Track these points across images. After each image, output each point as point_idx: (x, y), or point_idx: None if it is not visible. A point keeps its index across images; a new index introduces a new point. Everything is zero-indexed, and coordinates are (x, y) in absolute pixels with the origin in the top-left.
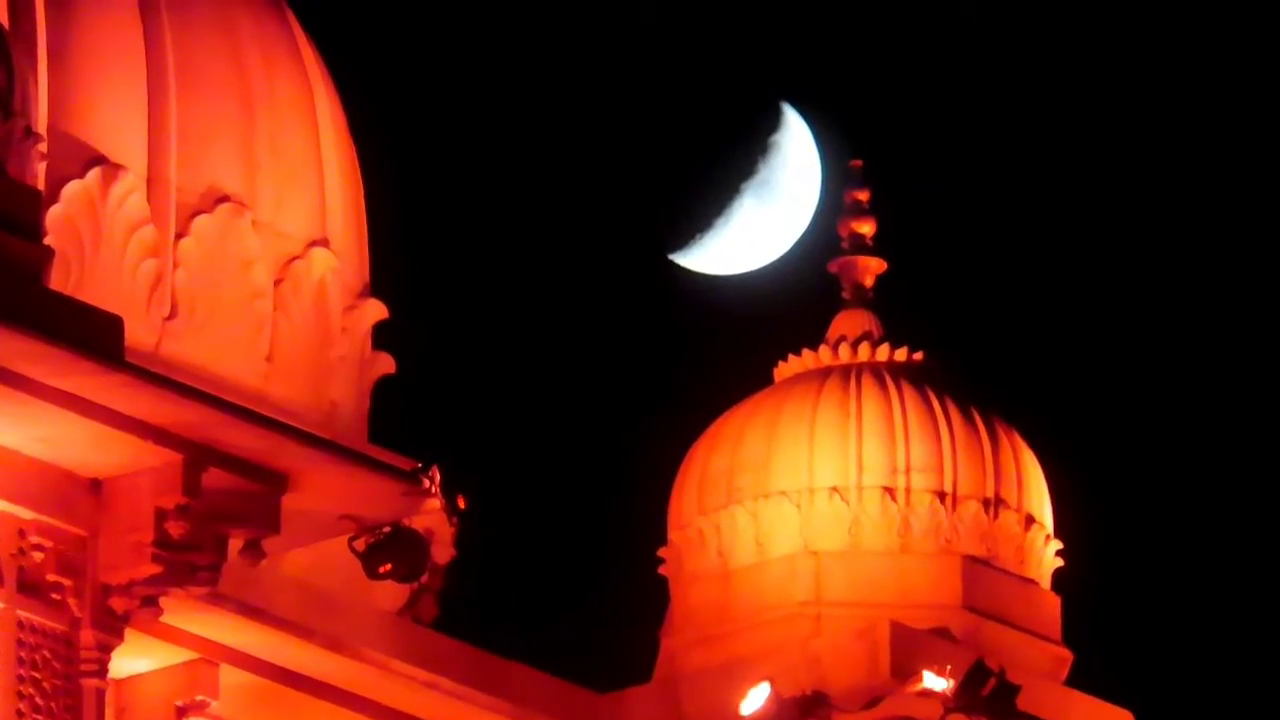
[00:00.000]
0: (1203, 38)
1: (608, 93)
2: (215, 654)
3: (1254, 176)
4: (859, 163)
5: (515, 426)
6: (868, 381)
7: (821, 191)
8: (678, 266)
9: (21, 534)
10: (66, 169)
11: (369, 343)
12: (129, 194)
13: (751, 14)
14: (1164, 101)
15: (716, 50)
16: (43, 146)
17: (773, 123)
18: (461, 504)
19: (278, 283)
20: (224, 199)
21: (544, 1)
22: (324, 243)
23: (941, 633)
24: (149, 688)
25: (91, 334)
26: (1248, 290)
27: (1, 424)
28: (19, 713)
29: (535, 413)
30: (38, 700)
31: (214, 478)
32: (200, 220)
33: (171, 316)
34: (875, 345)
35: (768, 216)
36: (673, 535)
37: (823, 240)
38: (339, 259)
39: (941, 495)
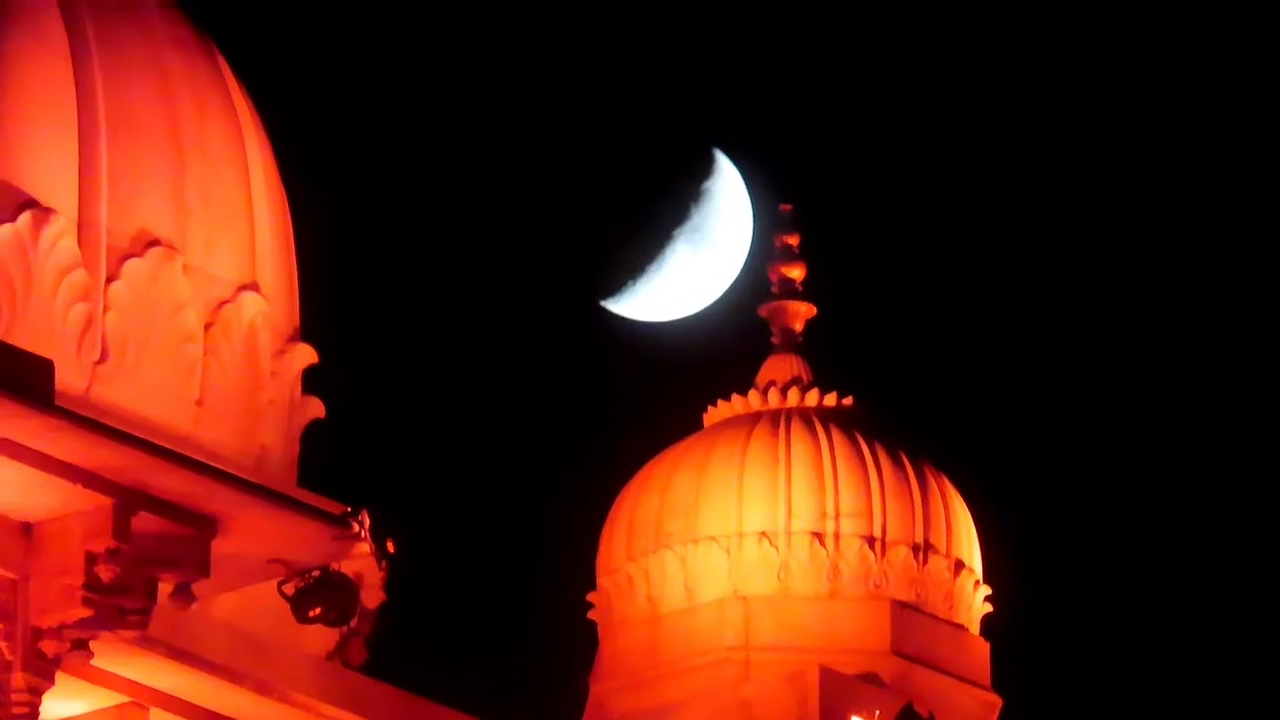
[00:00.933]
0: (1151, 83)
1: (541, 139)
2: (145, 697)
3: (1194, 230)
4: (789, 207)
5: (445, 471)
6: (797, 427)
7: (753, 237)
8: (610, 313)
9: None
10: None
11: (299, 387)
12: (60, 237)
13: (685, 64)
14: (1093, 151)
15: (650, 98)
16: None
17: (705, 169)
18: (391, 548)
19: (208, 326)
20: (155, 243)
21: (479, 48)
22: (254, 287)
23: (870, 678)
24: None
25: (22, 377)
26: (1178, 341)
27: None
28: None
29: (465, 458)
30: None
31: (144, 521)
32: (131, 264)
33: (102, 360)
34: (804, 390)
35: (700, 262)
36: (602, 580)
37: (754, 285)
38: (269, 303)
39: (871, 540)
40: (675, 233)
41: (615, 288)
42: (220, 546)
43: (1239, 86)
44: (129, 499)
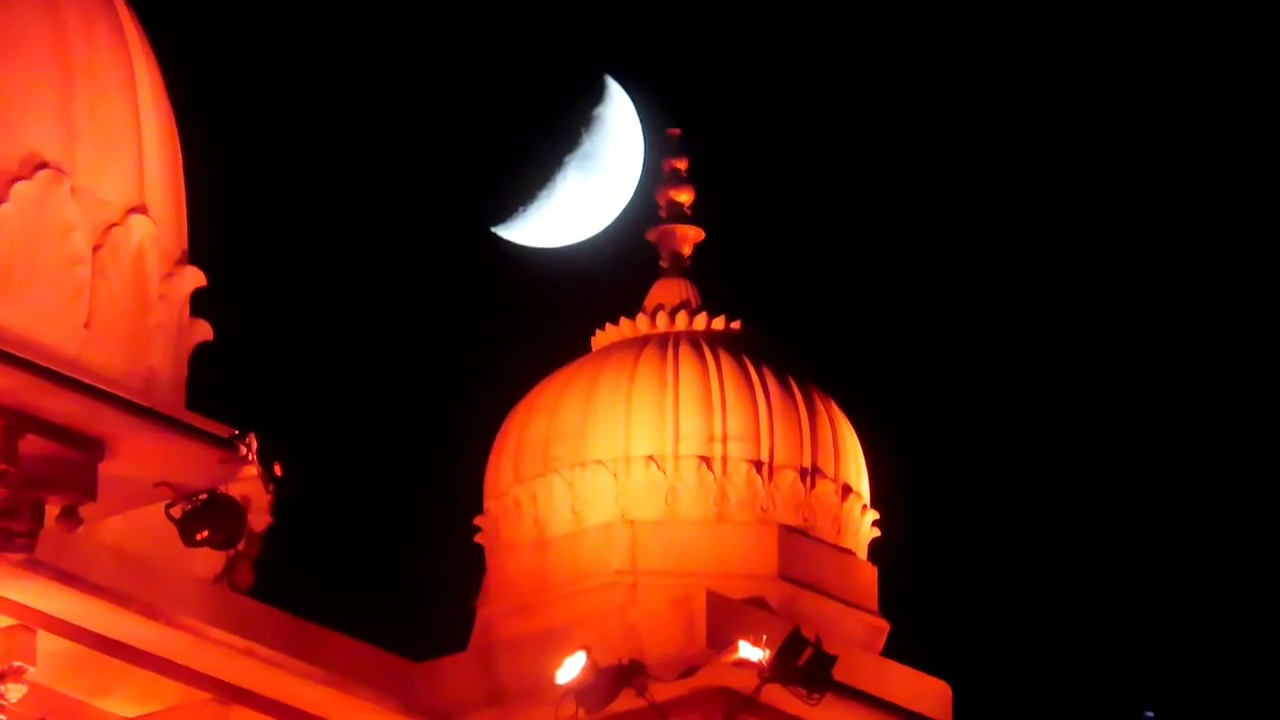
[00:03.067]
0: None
1: (434, 64)
2: (32, 620)
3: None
4: (677, 131)
5: (333, 395)
6: (685, 350)
7: (644, 162)
8: (501, 238)
9: None
10: None
11: (187, 310)
12: None
13: None
14: (967, 68)
15: (540, 23)
16: None
17: (596, 95)
18: (278, 471)
19: (96, 249)
20: (43, 165)
21: None
22: (143, 210)
23: (757, 602)
24: None
25: None
26: (1054, 263)
27: None
28: None
29: (353, 381)
30: None
31: (31, 444)
32: (19, 187)
33: None
34: (692, 314)
35: (591, 189)
36: (489, 504)
37: (643, 210)
38: (157, 226)
39: (758, 465)
40: (567, 159)
41: (506, 214)
42: (108, 469)
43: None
44: (16, 421)
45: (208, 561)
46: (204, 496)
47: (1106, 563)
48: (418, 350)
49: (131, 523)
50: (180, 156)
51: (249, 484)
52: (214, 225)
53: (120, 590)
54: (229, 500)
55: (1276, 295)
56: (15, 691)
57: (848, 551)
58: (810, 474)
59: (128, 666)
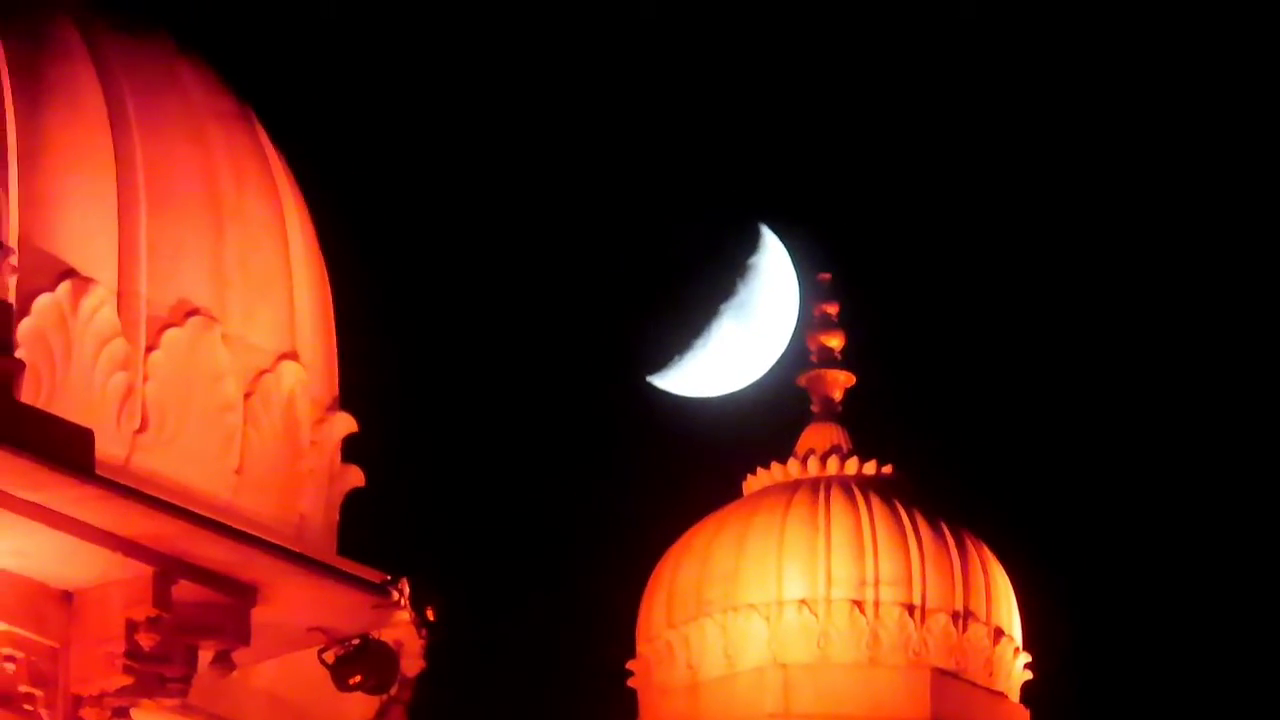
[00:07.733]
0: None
1: (588, 214)
2: None
3: (1225, 281)
4: (827, 276)
5: (486, 539)
6: (836, 495)
7: (799, 308)
8: (655, 387)
9: None
10: (37, 282)
11: (338, 456)
12: (100, 307)
13: (728, 137)
14: (1125, 215)
15: (697, 172)
16: (13, 259)
17: (751, 244)
18: (431, 616)
19: (247, 396)
20: (194, 312)
21: (524, 116)
22: (293, 356)
23: None
24: None
25: (62, 447)
26: (1210, 403)
27: None
28: None
29: (506, 526)
30: None
31: (184, 590)
32: (170, 333)
33: (142, 429)
34: (844, 459)
35: (746, 337)
36: (641, 647)
37: (795, 355)
38: (308, 372)
39: (910, 608)
40: (722, 308)
41: (661, 363)
42: (260, 615)
43: (1239, 87)
44: (169, 567)
45: (361, 707)
46: (357, 642)
47: (1268, 704)
48: (571, 495)
49: (284, 668)
50: (331, 301)
51: (402, 629)
52: (366, 370)
53: None
54: (382, 645)
55: None
56: None
57: (1000, 695)
58: (962, 617)
59: None
